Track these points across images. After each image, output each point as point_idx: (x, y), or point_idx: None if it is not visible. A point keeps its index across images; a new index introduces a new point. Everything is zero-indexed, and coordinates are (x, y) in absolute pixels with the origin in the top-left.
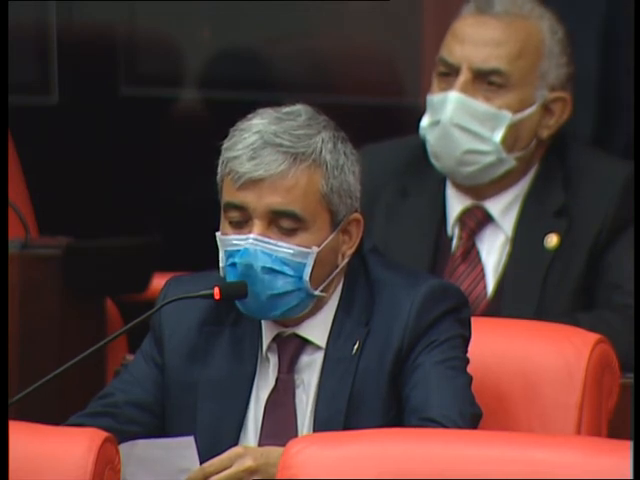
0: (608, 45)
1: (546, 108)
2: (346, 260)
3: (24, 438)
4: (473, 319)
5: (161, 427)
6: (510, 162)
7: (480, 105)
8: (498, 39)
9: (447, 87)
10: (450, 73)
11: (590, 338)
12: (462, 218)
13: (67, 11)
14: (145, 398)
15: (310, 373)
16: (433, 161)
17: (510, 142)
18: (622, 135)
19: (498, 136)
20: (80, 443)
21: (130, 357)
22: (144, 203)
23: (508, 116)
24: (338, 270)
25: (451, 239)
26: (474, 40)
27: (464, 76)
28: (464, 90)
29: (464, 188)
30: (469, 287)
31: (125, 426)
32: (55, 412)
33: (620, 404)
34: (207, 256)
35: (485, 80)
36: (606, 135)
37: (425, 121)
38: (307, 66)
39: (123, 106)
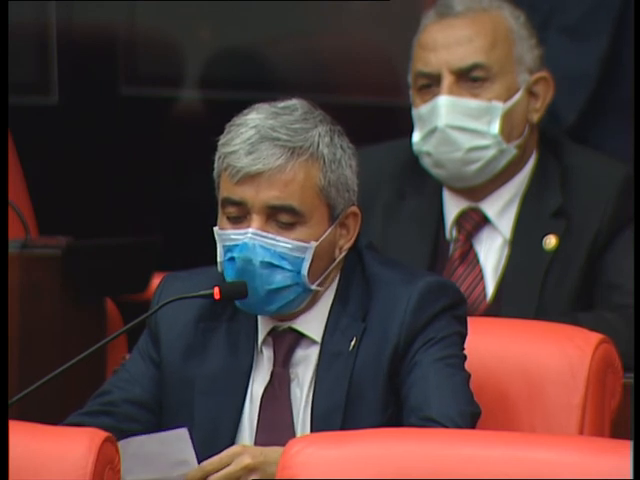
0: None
1: (530, 92)
2: (343, 254)
3: (24, 438)
4: (476, 319)
5: (159, 424)
6: (511, 151)
7: (471, 102)
8: (468, 36)
9: (431, 98)
10: (431, 83)
11: (593, 338)
12: (459, 220)
13: (67, 11)
14: (143, 395)
15: (305, 367)
16: (435, 171)
17: (507, 131)
18: None
19: (495, 128)
20: (80, 443)
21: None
22: (144, 203)
23: (500, 106)
24: (335, 264)
25: (449, 242)
26: (446, 43)
27: (447, 79)
28: (451, 92)
29: (459, 190)
30: (468, 289)
31: (124, 424)
32: (55, 412)
33: (621, 404)
34: (207, 256)
35: (468, 78)
36: None
37: (417, 136)
38: (307, 66)
39: (123, 106)
